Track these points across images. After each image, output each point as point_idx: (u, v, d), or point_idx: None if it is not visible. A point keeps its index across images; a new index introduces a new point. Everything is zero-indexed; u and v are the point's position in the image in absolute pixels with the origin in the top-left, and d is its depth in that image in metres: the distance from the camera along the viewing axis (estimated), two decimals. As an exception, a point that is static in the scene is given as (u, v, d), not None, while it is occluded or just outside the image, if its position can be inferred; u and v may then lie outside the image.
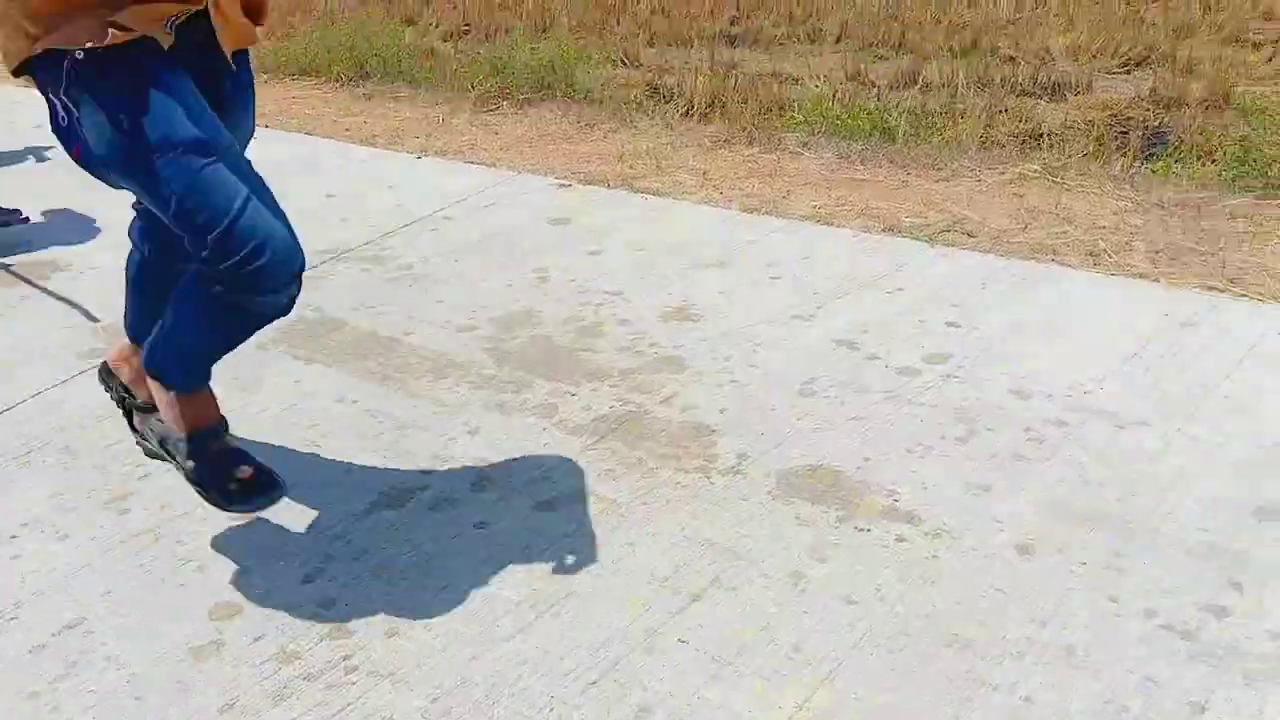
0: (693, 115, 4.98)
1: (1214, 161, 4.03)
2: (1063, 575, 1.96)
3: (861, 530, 2.11)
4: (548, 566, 2.06)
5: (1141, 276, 3.09)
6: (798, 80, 5.50)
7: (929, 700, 1.71)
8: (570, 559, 2.08)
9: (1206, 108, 4.75)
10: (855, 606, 1.91)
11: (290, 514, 2.26)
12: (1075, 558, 2.00)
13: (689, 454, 2.39)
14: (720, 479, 2.30)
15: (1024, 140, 4.45)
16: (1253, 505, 2.11)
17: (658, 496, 2.25)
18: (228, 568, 2.11)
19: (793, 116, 4.79)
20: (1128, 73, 5.70)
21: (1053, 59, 5.80)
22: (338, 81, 5.97)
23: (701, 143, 4.57)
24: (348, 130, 5.15)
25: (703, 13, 7.22)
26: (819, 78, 5.46)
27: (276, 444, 2.51)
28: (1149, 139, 4.43)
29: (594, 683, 1.78)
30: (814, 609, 1.91)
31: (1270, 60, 5.60)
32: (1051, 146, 4.29)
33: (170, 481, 2.38)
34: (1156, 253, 3.24)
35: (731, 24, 7.05)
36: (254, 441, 2.52)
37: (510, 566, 2.06)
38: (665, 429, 2.49)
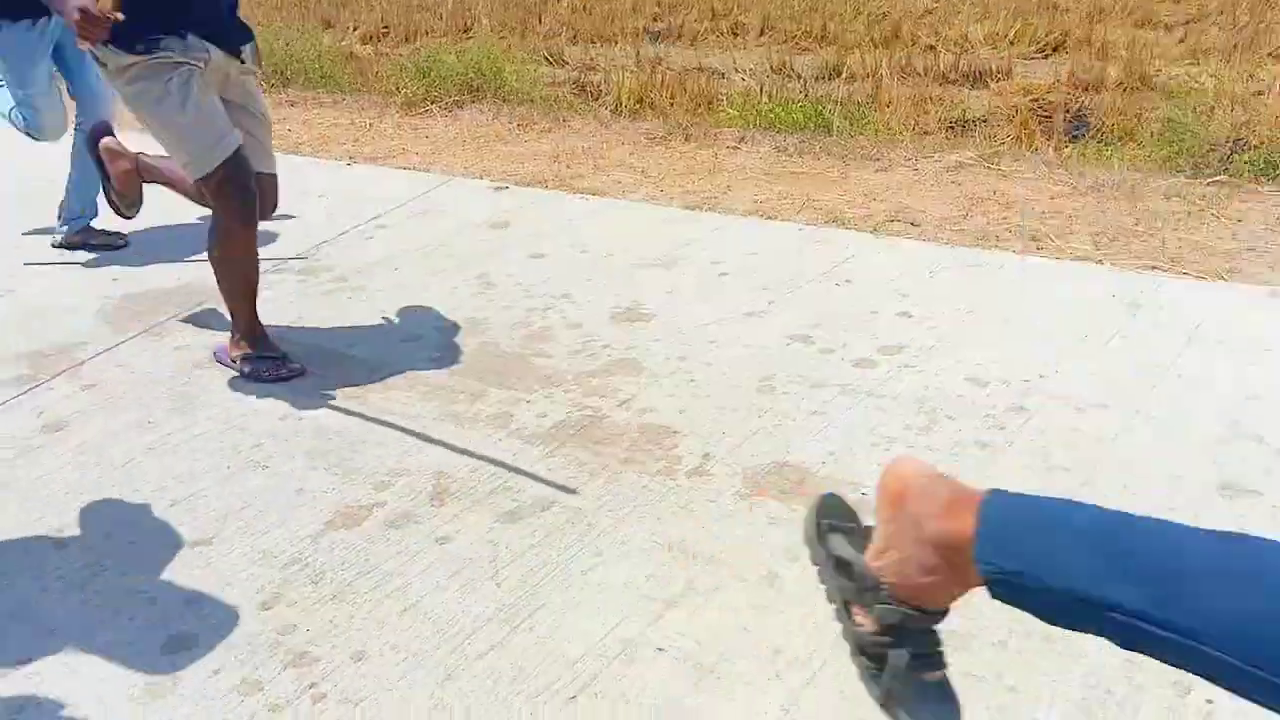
0: (623, 112, 4.94)
1: (1137, 143, 4.10)
2: (1037, 561, 1.95)
3: (833, 526, 2.08)
4: (516, 580, 2.00)
5: (1085, 259, 3.12)
6: (723, 75, 5.49)
7: (916, 696, 1.69)
8: (538, 571, 2.03)
9: (1124, 90, 4.84)
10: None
11: (241, 539, 2.17)
12: (1047, 543, 1.99)
13: (651, 457, 2.35)
14: (686, 481, 2.26)
15: (952, 128, 4.49)
16: (1215, 481, 2.13)
17: (623, 502, 2.21)
18: (178, 598, 2.01)
19: (726, 111, 4.77)
20: (1045, 57, 5.79)
21: (972, 46, 5.88)
22: (257, 88, 5.79)
23: (637, 140, 4.53)
24: (273, 138, 4.99)
25: (624, 9, 7.19)
26: (744, 72, 5.46)
27: (220, 467, 2.41)
28: (1071, 122, 4.49)
29: (573, 698, 1.72)
30: (791, 609, 1.88)
31: (1181, 41, 5.74)
32: (980, 134, 4.33)
33: (111, 509, 2.28)
34: (1097, 235, 3.27)
35: (654, 20, 7.02)
36: (196, 465, 2.42)
37: (476, 582, 2.00)
38: (625, 433, 2.44)
